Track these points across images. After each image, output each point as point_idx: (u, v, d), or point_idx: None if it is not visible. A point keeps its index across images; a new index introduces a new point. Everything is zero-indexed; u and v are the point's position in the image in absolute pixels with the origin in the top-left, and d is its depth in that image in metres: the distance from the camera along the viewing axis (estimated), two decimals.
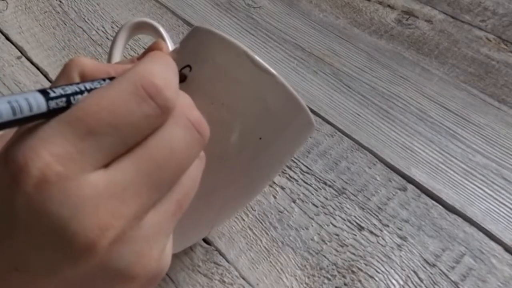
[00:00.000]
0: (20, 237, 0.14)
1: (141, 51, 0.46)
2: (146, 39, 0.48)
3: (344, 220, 0.34)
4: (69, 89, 0.15)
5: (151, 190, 0.16)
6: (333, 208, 0.35)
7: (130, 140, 0.15)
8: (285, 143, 0.24)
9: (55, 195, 0.14)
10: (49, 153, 0.14)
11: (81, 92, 0.16)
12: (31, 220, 0.14)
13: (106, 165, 0.15)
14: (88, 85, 0.16)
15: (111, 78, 0.17)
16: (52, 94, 0.15)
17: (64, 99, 0.15)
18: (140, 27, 0.29)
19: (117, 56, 0.29)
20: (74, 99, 0.15)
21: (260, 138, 0.22)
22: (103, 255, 0.14)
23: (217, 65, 0.21)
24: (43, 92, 0.15)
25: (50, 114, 0.14)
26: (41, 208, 0.14)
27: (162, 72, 0.16)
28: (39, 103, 0.14)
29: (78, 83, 0.16)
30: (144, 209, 0.16)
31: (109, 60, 0.29)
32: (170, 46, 0.26)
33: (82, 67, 0.18)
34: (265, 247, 0.32)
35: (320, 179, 0.37)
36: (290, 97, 0.22)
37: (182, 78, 0.21)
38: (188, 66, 0.22)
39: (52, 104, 0.14)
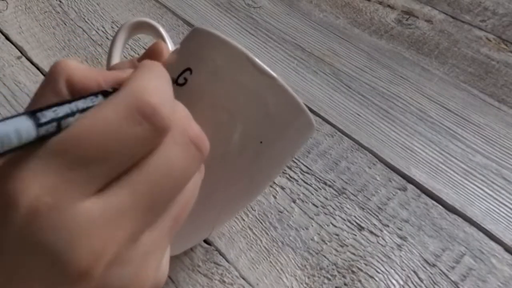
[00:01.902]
0: (10, 267, 0.14)
1: (141, 51, 0.46)
2: (146, 39, 0.48)
3: (344, 220, 0.34)
4: (60, 111, 0.14)
5: (147, 212, 0.15)
6: (333, 208, 0.35)
7: (124, 164, 0.15)
8: (286, 145, 0.24)
9: (46, 225, 0.13)
10: (38, 185, 0.13)
11: (72, 114, 0.15)
12: (22, 250, 0.14)
13: (100, 190, 0.14)
14: (80, 105, 0.15)
15: (104, 92, 0.16)
16: (42, 120, 0.14)
17: (54, 123, 0.14)
18: (140, 27, 0.29)
19: (116, 56, 0.29)
20: (65, 123, 0.14)
21: (261, 142, 0.22)
22: (98, 280, 0.14)
23: (218, 67, 0.21)
24: (33, 115, 0.14)
25: (40, 139, 0.14)
26: (33, 239, 0.13)
27: (157, 88, 0.15)
28: (29, 132, 0.13)
29: (69, 102, 0.15)
30: (139, 231, 0.15)
31: (108, 60, 0.29)
32: (170, 46, 0.26)
33: (69, 75, 0.17)
34: (265, 247, 0.32)
35: (320, 179, 0.37)
36: (291, 100, 0.22)
37: (182, 82, 0.21)
38: (189, 69, 0.22)
39: (42, 131, 0.14)
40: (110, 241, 0.14)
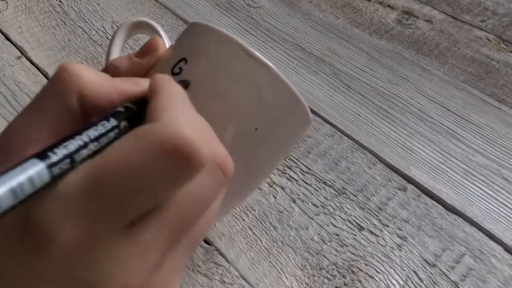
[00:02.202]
0: None
1: None
2: (146, 39, 0.48)
3: (344, 220, 0.34)
4: (72, 146, 0.14)
5: (173, 241, 0.15)
6: (333, 208, 0.35)
7: (157, 200, 0.14)
8: (282, 134, 0.24)
9: (80, 262, 0.14)
10: (72, 225, 0.13)
11: (85, 145, 0.14)
12: (53, 285, 0.14)
13: (131, 223, 0.14)
14: (92, 133, 0.14)
15: (115, 114, 0.15)
16: (54, 159, 0.13)
17: (68, 160, 0.13)
18: (139, 27, 0.29)
19: (115, 56, 0.29)
20: (79, 156, 0.14)
21: (256, 129, 0.22)
22: None
23: (211, 56, 0.21)
24: (44, 156, 0.13)
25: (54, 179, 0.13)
26: (66, 276, 0.14)
27: (190, 120, 0.15)
28: (42, 176, 0.13)
29: (79, 133, 0.14)
30: (164, 259, 0.15)
31: (107, 59, 0.29)
32: (168, 45, 0.26)
33: (81, 90, 0.16)
34: (265, 247, 0.32)
35: (320, 179, 0.37)
36: (285, 87, 0.22)
37: (177, 71, 0.22)
38: (184, 59, 0.22)
39: (56, 170, 0.13)
40: (138, 273, 0.14)
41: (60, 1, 0.52)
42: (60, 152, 0.13)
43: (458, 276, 0.31)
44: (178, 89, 0.17)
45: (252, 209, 0.34)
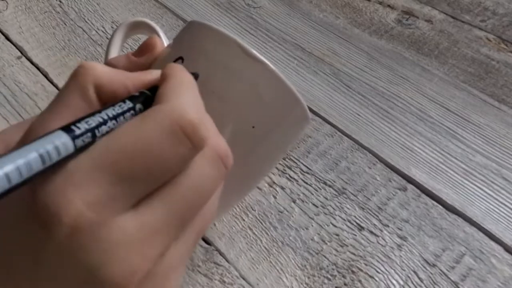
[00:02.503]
0: (46, 281, 0.14)
1: None
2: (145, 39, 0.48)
3: (344, 220, 0.34)
4: (93, 122, 0.15)
5: (178, 228, 0.16)
6: (333, 208, 0.35)
7: (161, 180, 0.15)
8: (280, 132, 0.24)
9: (86, 243, 0.14)
10: (81, 200, 0.13)
11: (105, 122, 0.15)
12: (60, 266, 0.14)
13: (136, 205, 0.15)
14: (110, 112, 0.15)
15: (131, 97, 0.16)
16: (77, 132, 0.14)
17: (89, 134, 0.14)
18: (137, 27, 0.29)
19: (114, 56, 0.29)
20: (98, 132, 0.15)
21: (253, 127, 0.22)
22: None
23: (208, 54, 0.22)
24: (68, 129, 0.14)
25: (77, 151, 0.14)
26: (72, 255, 0.14)
27: (195, 104, 0.16)
28: (67, 145, 0.14)
29: (99, 111, 0.15)
30: (168, 246, 0.16)
31: (106, 59, 0.29)
32: (166, 44, 0.26)
33: (97, 80, 0.16)
34: (265, 247, 0.32)
35: (320, 179, 0.37)
36: (282, 85, 0.22)
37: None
38: (181, 58, 0.22)
39: (79, 142, 0.14)
40: (144, 258, 0.14)
41: (60, 1, 0.52)
42: (83, 126, 0.14)
43: (458, 276, 0.31)
44: (188, 77, 0.17)
45: (252, 209, 0.34)
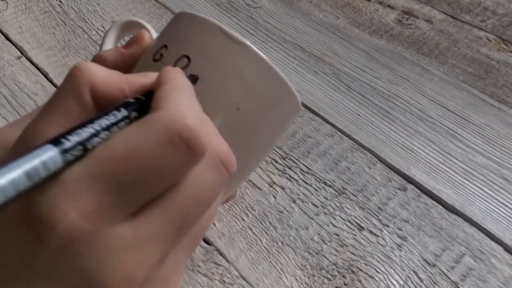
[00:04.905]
0: None
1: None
2: None
3: (344, 220, 0.34)
4: (84, 133, 0.14)
5: (177, 236, 0.15)
6: (333, 208, 0.35)
7: (159, 189, 0.15)
8: (265, 115, 0.23)
9: (81, 252, 0.13)
10: (76, 211, 0.13)
11: (97, 134, 0.14)
12: (55, 276, 0.14)
13: (134, 213, 0.14)
14: (104, 122, 0.15)
15: (125, 104, 0.16)
16: (67, 145, 0.13)
17: (80, 147, 0.14)
18: (130, 27, 0.29)
19: None
20: (90, 144, 0.14)
21: (238, 108, 0.21)
22: None
23: (189, 39, 0.22)
24: (56, 142, 0.13)
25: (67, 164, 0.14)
26: (67, 265, 0.13)
27: (192, 110, 0.15)
28: (55, 161, 0.13)
29: (91, 121, 0.15)
30: (167, 253, 0.15)
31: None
32: None
33: (92, 82, 0.16)
34: (265, 247, 0.32)
35: (320, 179, 0.37)
36: (265, 66, 0.22)
37: (158, 58, 0.22)
38: (165, 46, 0.22)
39: (69, 156, 0.13)
40: (141, 266, 0.14)
41: (60, 1, 0.52)
42: (73, 139, 0.14)
43: (458, 276, 0.31)
44: (184, 81, 0.17)
45: (252, 209, 0.34)
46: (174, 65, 0.21)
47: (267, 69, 0.22)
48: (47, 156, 0.13)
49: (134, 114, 0.16)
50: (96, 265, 0.14)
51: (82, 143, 0.14)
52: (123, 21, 0.29)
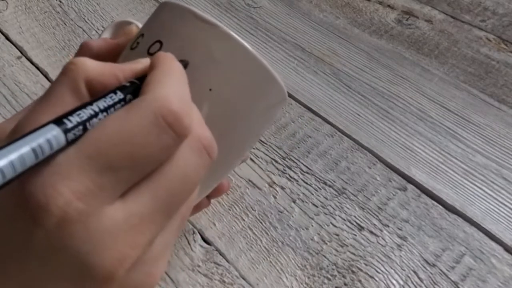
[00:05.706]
0: (35, 269, 0.14)
1: None
2: None
3: (344, 220, 0.34)
4: (84, 114, 0.15)
5: (165, 216, 0.16)
6: (333, 208, 0.35)
7: (147, 169, 0.15)
8: (245, 100, 0.23)
9: (75, 232, 0.14)
10: (69, 190, 0.14)
11: (96, 115, 0.15)
12: (50, 255, 0.14)
13: (123, 194, 0.15)
14: (101, 104, 0.16)
15: (121, 87, 0.17)
16: (69, 125, 0.14)
17: (80, 127, 0.15)
18: (124, 27, 0.29)
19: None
20: (89, 125, 0.15)
21: (210, 89, 0.21)
22: (119, 282, 0.15)
23: (163, 26, 0.22)
24: (59, 122, 0.14)
25: (68, 144, 0.14)
26: (61, 245, 0.14)
27: (179, 94, 0.16)
28: (59, 139, 0.14)
29: (90, 103, 0.15)
30: (157, 234, 0.16)
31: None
32: None
33: (87, 73, 0.16)
34: (265, 247, 0.32)
35: (320, 179, 0.37)
36: (237, 45, 0.22)
37: (135, 46, 0.22)
38: (142, 35, 0.23)
39: (70, 136, 0.14)
40: (133, 246, 0.15)
41: (60, 1, 0.52)
42: (74, 119, 0.14)
43: (458, 276, 0.31)
44: (173, 66, 0.18)
45: (252, 209, 0.34)
46: (148, 51, 0.22)
47: (241, 49, 0.22)
48: (51, 135, 0.14)
49: (129, 96, 0.17)
50: (89, 244, 0.14)
51: (82, 123, 0.15)
52: (117, 22, 0.30)
